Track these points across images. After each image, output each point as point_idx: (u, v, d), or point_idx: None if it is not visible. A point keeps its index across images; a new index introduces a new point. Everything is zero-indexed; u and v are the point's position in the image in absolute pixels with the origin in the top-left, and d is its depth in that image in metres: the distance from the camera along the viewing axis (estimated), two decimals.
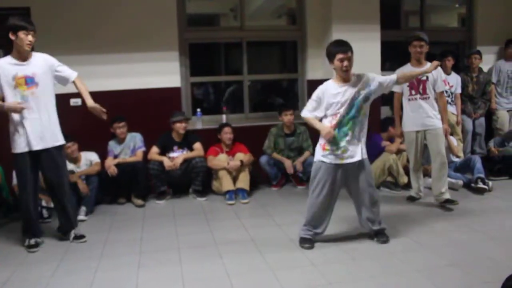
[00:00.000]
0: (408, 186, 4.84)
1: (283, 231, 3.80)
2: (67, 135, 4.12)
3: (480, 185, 4.74)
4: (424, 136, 4.31)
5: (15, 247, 3.64)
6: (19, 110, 3.41)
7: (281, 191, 5.20)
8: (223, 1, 6.23)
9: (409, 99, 4.29)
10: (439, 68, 4.08)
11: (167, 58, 5.17)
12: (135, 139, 4.94)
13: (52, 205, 4.37)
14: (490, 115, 5.95)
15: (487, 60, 5.96)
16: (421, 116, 4.25)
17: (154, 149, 4.94)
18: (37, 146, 3.49)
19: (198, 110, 5.44)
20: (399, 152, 5.00)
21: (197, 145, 5.00)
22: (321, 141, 3.36)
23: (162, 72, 5.13)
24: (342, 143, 3.27)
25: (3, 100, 3.45)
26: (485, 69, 5.93)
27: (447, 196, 4.25)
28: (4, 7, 4.52)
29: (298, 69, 5.82)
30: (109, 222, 4.17)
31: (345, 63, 3.22)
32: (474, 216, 4.05)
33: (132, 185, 4.80)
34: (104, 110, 3.66)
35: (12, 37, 3.36)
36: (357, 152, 3.30)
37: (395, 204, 4.46)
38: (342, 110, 3.25)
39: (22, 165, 3.53)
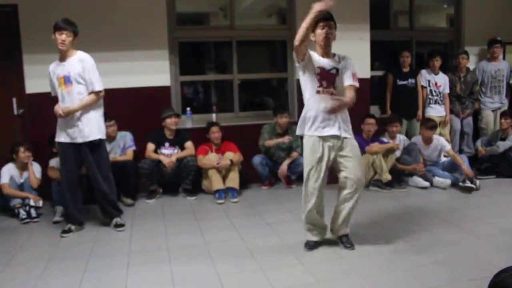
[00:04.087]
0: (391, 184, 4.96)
1: (273, 230, 3.81)
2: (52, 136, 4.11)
3: (468, 184, 4.80)
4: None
5: (2, 247, 3.61)
6: (58, 115, 3.76)
7: (271, 190, 5.21)
8: None
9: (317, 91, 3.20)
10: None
11: (156, 57, 5.13)
12: (125, 138, 4.92)
13: (40, 204, 4.35)
14: (477, 114, 6.02)
15: (473, 61, 6.03)
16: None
17: (151, 146, 4.91)
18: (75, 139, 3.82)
19: (188, 109, 5.42)
20: (388, 153, 5.04)
21: (189, 144, 5.01)
22: None
23: (152, 71, 5.10)
24: None
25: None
26: (471, 69, 6.00)
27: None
28: None
29: (288, 68, 5.82)
30: (98, 222, 4.15)
31: None
32: (461, 214, 4.10)
33: (121, 184, 4.78)
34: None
35: (53, 37, 3.67)
36: None
37: (382, 203, 4.50)
38: None
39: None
